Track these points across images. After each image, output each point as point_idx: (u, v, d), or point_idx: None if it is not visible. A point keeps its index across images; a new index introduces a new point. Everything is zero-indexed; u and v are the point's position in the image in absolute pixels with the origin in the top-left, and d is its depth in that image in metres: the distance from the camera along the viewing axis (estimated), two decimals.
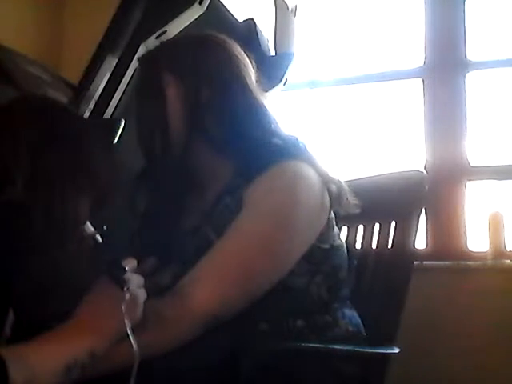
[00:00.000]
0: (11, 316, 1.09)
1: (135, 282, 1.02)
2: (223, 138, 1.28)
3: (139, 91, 1.37)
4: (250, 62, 1.35)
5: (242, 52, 1.35)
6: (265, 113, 1.32)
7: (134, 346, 0.97)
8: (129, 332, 0.97)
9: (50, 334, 0.97)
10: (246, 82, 1.31)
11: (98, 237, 1.03)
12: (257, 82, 1.35)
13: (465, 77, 2.28)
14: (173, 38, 1.49)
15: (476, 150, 2.25)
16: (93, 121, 1.33)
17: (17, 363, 0.89)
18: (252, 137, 1.28)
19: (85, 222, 1.07)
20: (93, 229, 1.04)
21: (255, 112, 1.30)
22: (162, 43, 1.42)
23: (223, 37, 1.35)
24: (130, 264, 1.04)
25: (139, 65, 1.41)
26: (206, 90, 1.28)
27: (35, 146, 1.00)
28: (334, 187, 1.27)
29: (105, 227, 1.04)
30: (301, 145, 1.29)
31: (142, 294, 1.03)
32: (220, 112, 1.28)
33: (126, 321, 0.97)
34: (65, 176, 1.01)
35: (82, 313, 1.00)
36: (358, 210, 1.30)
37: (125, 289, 0.97)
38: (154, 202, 1.37)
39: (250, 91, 1.31)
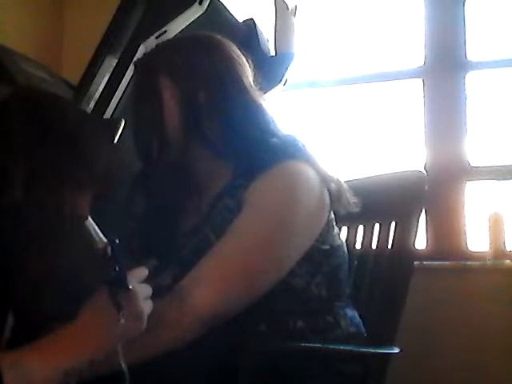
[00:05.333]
0: (11, 318, 1.09)
1: (142, 293, 1.00)
2: (221, 139, 1.28)
3: (136, 95, 1.37)
4: (247, 61, 1.35)
5: (239, 52, 1.35)
6: (263, 113, 1.32)
7: (124, 366, 0.96)
8: (120, 356, 0.96)
9: (49, 339, 0.97)
10: (243, 82, 1.31)
11: (109, 249, 1.00)
12: (254, 81, 1.35)
13: (465, 77, 2.28)
14: (168, 39, 1.49)
15: (476, 150, 2.25)
16: (93, 115, 1.30)
17: (13, 370, 0.88)
18: (250, 137, 1.27)
19: (86, 218, 1.06)
20: (105, 240, 1.02)
21: (253, 112, 1.30)
22: (158, 46, 1.42)
23: (218, 37, 1.35)
24: (139, 274, 1.02)
25: (135, 68, 1.41)
26: (202, 91, 1.28)
27: (32, 144, 0.99)
28: (333, 186, 1.27)
29: (117, 240, 1.01)
30: (300, 144, 1.29)
31: (147, 306, 1.01)
32: (217, 113, 1.28)
33: (118, 346, 0.96)
34: (62, 173, 1.00)
35: (83, 319, 0.99)
36: (357, 209, 1.30)
37: (120, 313, 0.96)
38: (153, 203, 1.36)
39: (247, 91, 1.31)
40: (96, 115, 1.61)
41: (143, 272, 1.03)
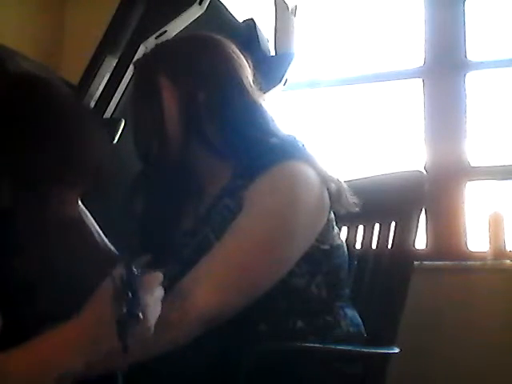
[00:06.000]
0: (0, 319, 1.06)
1: (154, 297, 0.96)
2: (221, 139, 1.28)
3: (135, 95, 1.37)
4: (247, 61, 1.35)
5: (238, 52, 1.34)
6: (262, 113, 1.32)
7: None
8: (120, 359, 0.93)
9: (42, 339, 0.92)
10: (243, 82, 1.31)
11: (124, 273, 0.92)
12: (254, 81, 1.34)
13: (465, 77, 2.28)
14: (167, 40, 1.49)
15: (476, 150, 2.25)
16: (83, 104, 1.21)
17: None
18: (250, 137, 1.27)
19: (76, 214, 1.04)
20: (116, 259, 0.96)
21: (252, 112, 1.30)
22: (157, 46, 1.41)
23: (218, 37, 1.35)
24: (152, 282, 0.96)
25: (134, 69, 1.41)
26: (201, 91, 1.28)
27: (16, 144, 0.96)
28: (333, 186, 1.27)
29: (129, 260, 0.94)
30: (299, 144, 1.29)
31: (156, 310, 0.96)
32: (216, 113, 1.28)
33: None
34: (50, 171, 0.97)
35: (83, 320, 0.94)
36: (357, 209, 1.30)
37: (126, 346, 0.90)
38: (153, 204, 1.36)
39: (247, 91, 1.31)
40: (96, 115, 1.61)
41: (157, 278, 0.97)
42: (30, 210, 0.96)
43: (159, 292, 0.99)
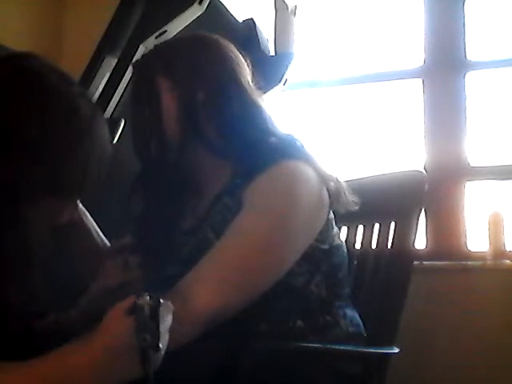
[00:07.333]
0: None
1: (166, 326, 0.92)
2: (220, 139, 1.28)
3: (134, 96, 1.37)
4: (245, 61, 1.35)
5: (237, 51, 1.35)
6: (261, 112, 1.32)
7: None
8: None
9: (52, 361, 0.88)
10: (241, 82, 1.31)
11: (147, 309, 0.89)
12: (253, 81, 1.35)
13: (465, 77, 2.28)
14: (166, 40, 1.49)
15: (476, 150, 2.25)
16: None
17: None
18: (249, 137, 1.28)
19: (70, 220, 1.02)
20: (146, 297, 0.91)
21: (251, 112, 1.30)
22: (156, 46, 1.41)
23: (216, 37, 1.35)
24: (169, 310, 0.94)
25: (133, 70, 1.41)
26: (200, 91, 1.28)
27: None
28: (332, 185, 1.27)
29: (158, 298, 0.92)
30: (298, 144, 1.29)
31: (167, 338, 0.93)
32: (215, 113, 1.28)
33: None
34: (37, 187, 0.94)
35: (96, 344, 0.89)
36: (356, 207, 1.30)
37: (148, 376, 0.89)
38: (152, 204, 1.36)
39: (246, 91, 1.31)
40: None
41: (170, 308, 0.94)
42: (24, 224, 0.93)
43: (170, 320, 0.95)
